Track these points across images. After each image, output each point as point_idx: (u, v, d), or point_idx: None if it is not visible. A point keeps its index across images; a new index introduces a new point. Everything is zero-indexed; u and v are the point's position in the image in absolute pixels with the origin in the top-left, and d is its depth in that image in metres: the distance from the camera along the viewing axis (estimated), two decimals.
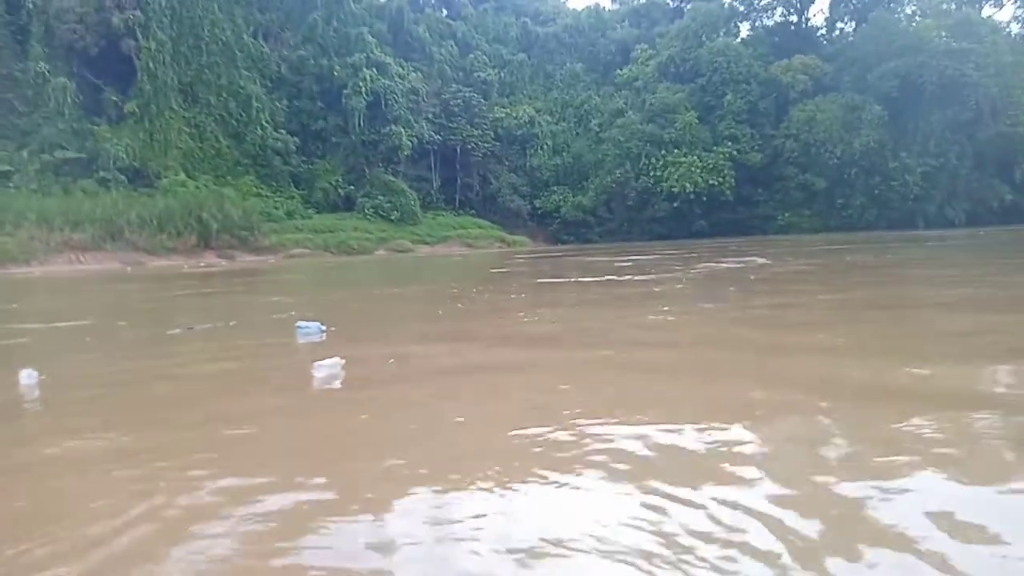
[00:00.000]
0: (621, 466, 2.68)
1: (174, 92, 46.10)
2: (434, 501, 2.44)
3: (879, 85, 50.74)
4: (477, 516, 2.29)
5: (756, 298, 9.73)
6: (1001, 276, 11.89)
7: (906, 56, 49.97)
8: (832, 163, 52.27)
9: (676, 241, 47.88)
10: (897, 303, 8.64)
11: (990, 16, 61.43)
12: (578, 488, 2.51)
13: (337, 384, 4.60)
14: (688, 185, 53.87)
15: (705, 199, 54.62)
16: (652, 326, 6.95)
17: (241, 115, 49.28)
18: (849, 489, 2.36)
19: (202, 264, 34.27)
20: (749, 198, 55.96)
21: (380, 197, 49.45)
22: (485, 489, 2.53)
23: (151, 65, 44.58)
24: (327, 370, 4.74)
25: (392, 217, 49.07)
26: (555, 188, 60.60)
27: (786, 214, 54.50)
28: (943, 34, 50.23)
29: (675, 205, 55.05)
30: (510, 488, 2.53)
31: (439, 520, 2.26)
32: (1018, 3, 63.75)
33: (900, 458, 2.66)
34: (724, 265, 17.42)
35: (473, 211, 58.59)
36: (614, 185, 56.72)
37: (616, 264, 19.93)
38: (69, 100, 41.98)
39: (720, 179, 54.24)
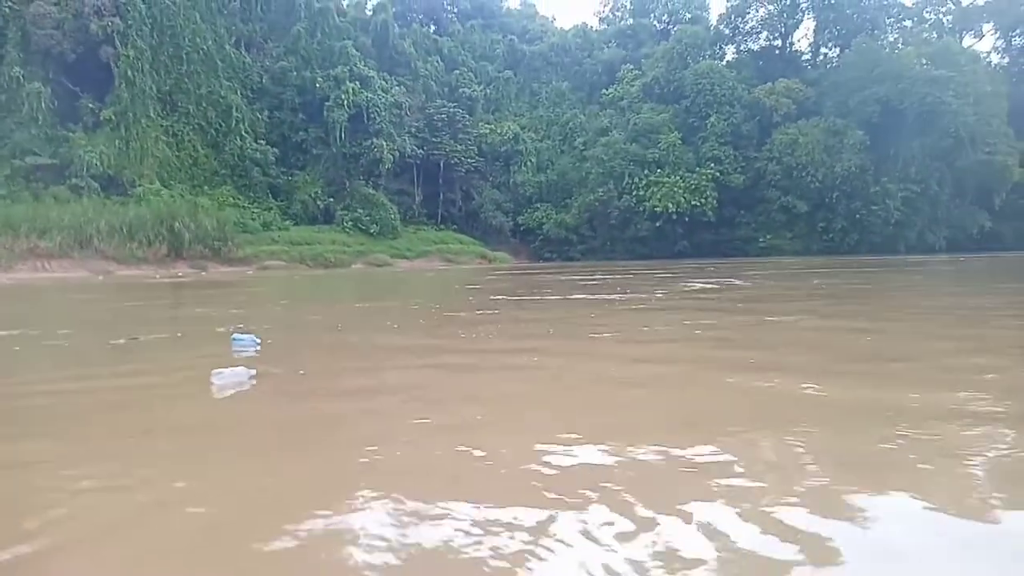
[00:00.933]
0: (533, 482, 2.65)
1: (152, 100, 45.50)
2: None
3: (861, 110, 51.08)
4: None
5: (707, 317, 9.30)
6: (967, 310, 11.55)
7: (887, 82, 50.37)
8: (814, 187, 52.44)
9: (658, 261, 47.63)
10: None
11: (970, 46, 62.39)
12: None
13: (228, 393, 4.59)
14: (671, 205, 53.79)
15: (687, 219, 54.54)
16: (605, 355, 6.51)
17: (220, 125, 48.74)
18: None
19: (175, 274, 33.54)
20: (731, 219, 55.96)
21: (360, 210, 48.92)
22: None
23: (129, 73, 44.02)
24: (226, 378, 4.77)
25: (371, 231, 48.52)
26: (538, 205, 60.38)
27: (768, 236, 54.49)
28: (924, 62, 50.76)
29: (657, 225, 54.93)
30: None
31: None
32: (998, 35, 64.85)
33: None
34: (697, 285, 17.06)
35: (455, 226, 58.16)
36: (597, 203, 56.55)
37: (583, 283, 19.53)
38: (43, 106, 41.33)
39: (702, 200, 54.21)
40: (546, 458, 2.98)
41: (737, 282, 18.49)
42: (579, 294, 15.27)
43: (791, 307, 11.37)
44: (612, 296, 14.29)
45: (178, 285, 25.18)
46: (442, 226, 57.67)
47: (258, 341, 6.47)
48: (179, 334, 8.56)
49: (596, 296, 14.44)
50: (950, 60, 50.56)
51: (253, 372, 4.99)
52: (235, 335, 6.60)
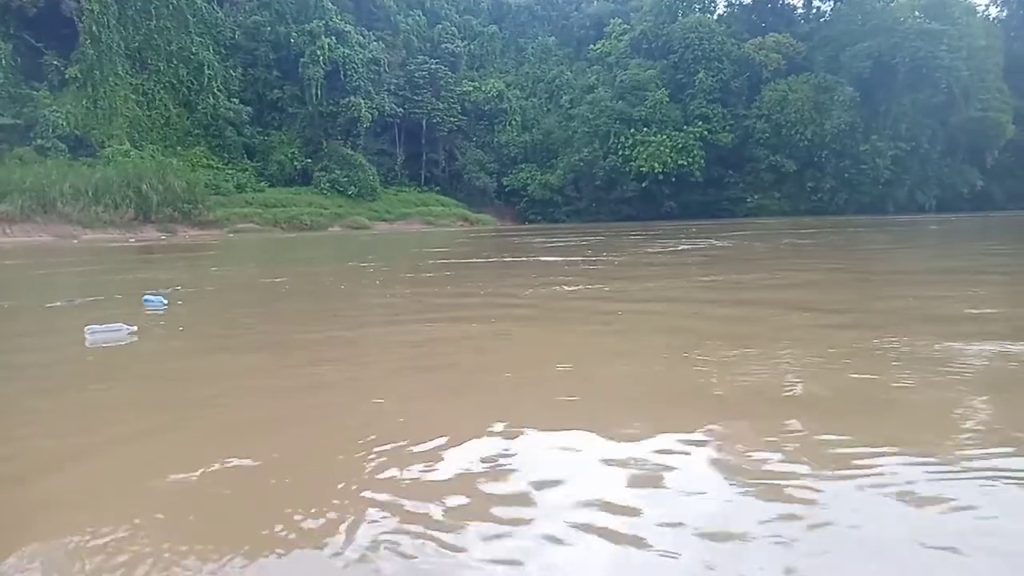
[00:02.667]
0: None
1: (120, 57, 43.98)
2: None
3: (852, 65, 49.70)
4: None
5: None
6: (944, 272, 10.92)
7: (880, 36, 48.90)
8: (803, 145, 51.38)
9: (644, 223, 46.80)
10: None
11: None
12: None
13: (101, 346, 4.88)
14: (657, 165, 52.71)
15: (674, 180, 53.53)
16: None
17: (192, 83, 47.27)
18: None
19: (136, 239, 32.70)
20: (719, 179, 54.95)
21: (337, 171, 47.80)
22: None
23: (95, 28, 42.39)
24: (98, 333, 5.03)
25: (349, 192, 47.50)
26: (523, 166, 59.24)
27: (756, 196, 53.61)
28: (917, 14, 49.16)
29: (644, 185, 53.92)
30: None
31: None
32: None
33: None
34: (671, 249, 16.37)
35: (438, 188, 57.13)
36: (582, 164, 55.43)
37: (554, 245, 18.86)
38: (4, 63, 39.84)
39: (690, 159, 53.11)
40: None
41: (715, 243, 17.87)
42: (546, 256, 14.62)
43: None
44: (573, 258, 13.64)
45: (142, 249, 24.70)
46: (425, 187, 56.63)
47: (165, 302, 6.88)
48: (118, 296, 8.52)
49: (554, 259, 13.78)
50: (944, 13, 48.99)
51: (134, 328, 5.20)
52: (146, 296, 7.02)
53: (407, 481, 2.25)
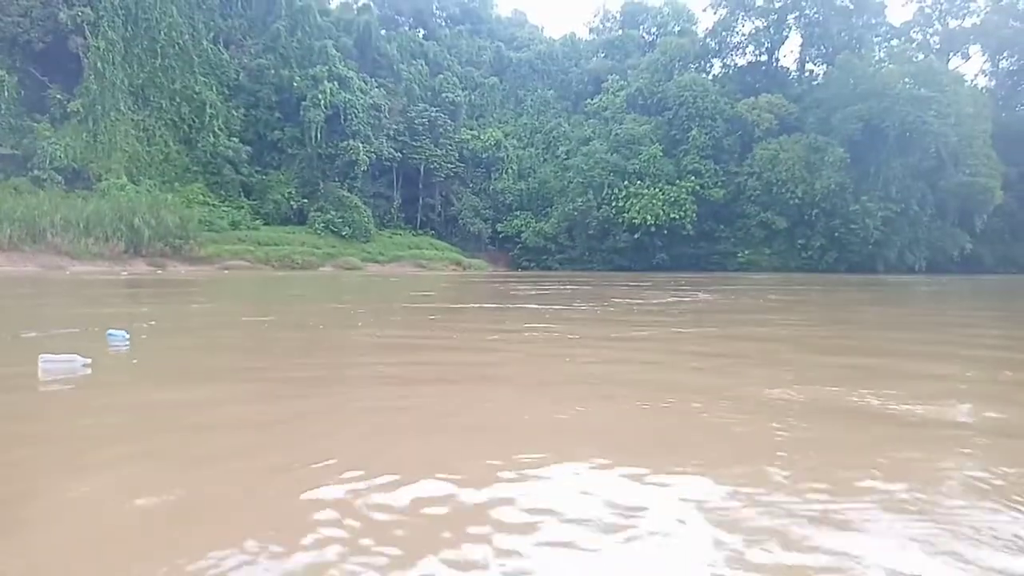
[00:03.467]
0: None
1: (123, 93, 44.71)
2: None
3: (843, 127, 50.61)
4: None
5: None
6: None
7: (870, 100, 49.94)
8: (793, 203, 51.95)
9: (635, 273, 46.94)
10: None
11: (957, 68, 62.24)
12: None
13: (53, 378, 4.79)
14: (649, 217, 53.19)
15: (666, 232, 53.95)
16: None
17: (194, 121, 47.99)
18: None
19: (126, 272, 32.64)
20: (711, 233, 55.39)
21: (332, 212, 48.14)
22: None
23: (99, 64, 43.24)
24: (52, 364, 5.03)
25: (343, 233, 47.73)
26: (518, 213, 59.77)
27: (746, 252, 53.92)
28: (907, 80, 50.31)
29: (636, 236, 54.31)
30: None
31: None
32: (985, 57, 64.76)
33: None
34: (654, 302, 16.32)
35: (433, 231, 57.51)
36: (576, 213, 55.93)
37: (535, 294, 18.81)
38: (7, 95, 40.48)
39: (682, 213, 53.63)
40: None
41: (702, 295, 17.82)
42: (520, 304, 14.55)
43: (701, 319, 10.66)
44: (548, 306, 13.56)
45: (129, 282, 24.68)
46: (420, 231, 57.00)
47: (128, 337, 6.78)
48: (75, 330, 8.35)
49: (527, 307, 13.70)
50: (933, 80, 50.16)
51: (88, 361, 5.17)
52: (110, 331, 6.96)
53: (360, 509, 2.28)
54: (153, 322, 9.34)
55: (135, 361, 5.91)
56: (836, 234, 51.49)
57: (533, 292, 19.59)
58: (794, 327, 10.38)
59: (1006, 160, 53.53)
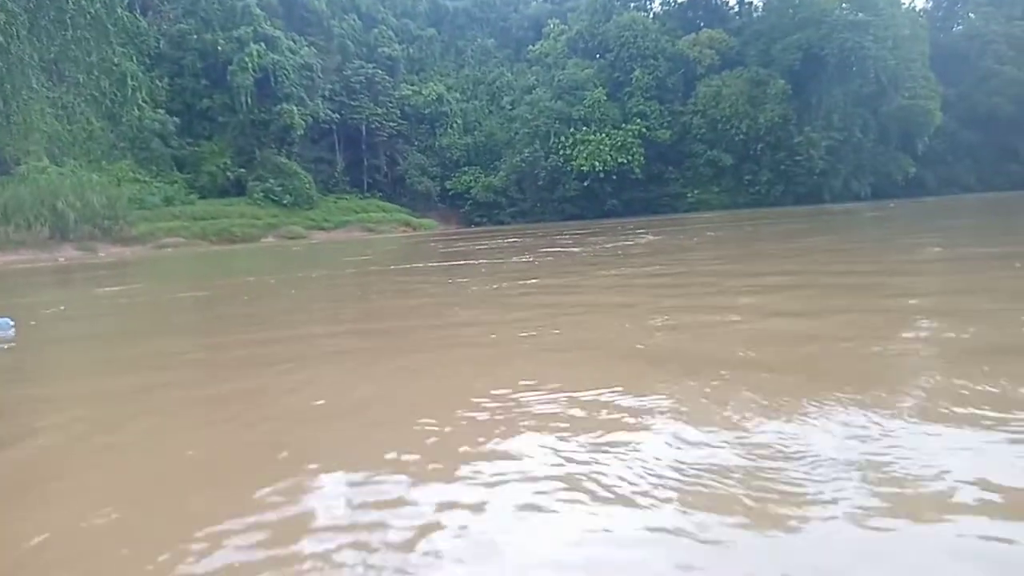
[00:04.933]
0: None
1: (34, 69, 42.02)
2: None
3: (783, 58, 50.39)
4: None
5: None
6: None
7: (809, 29, 49.68)
8: (739, 139, 51.89)
9: (586, 221, 46.62)
10: None
11: None
12: None
13: None
14: (597, 164, 52.68)
15: (615, 177, 53.54)
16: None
17: (115, 94, 45.57)
18: None
19: (56, 259, 31.26)
20: (660, 176, 55.16)
21: (271, 180, 46.61)
22: None
23: (3, 40, 40.50)
24: None
25: (284, 202, 46.36)
26: (466, 168, 58.74)
27: (695, 191, 53.95)
28: (844, 5, 49.98)
29: (585, 184, 53.86)
30: None
31: None
32: None
33: None
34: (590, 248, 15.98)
35: (381, 194, 56.27)
36: (524, 165, 55.16)
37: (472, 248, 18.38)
38: None
39: (629, 157, 53.18)
40: None
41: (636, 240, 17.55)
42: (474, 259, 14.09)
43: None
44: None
45: (53, 270, 23.59)
46: (367, 194, 55.71)
47: (12, 324, 6.71)
48: None
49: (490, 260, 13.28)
50: (870, 4, 49.85)
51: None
52: None
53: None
54: (62, 307, 9.25)
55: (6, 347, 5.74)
56: (782, 167, 51.70)
57: (479, 248, 19.17)
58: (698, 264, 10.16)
59: (944, 81, 54.01)
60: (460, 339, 4.96)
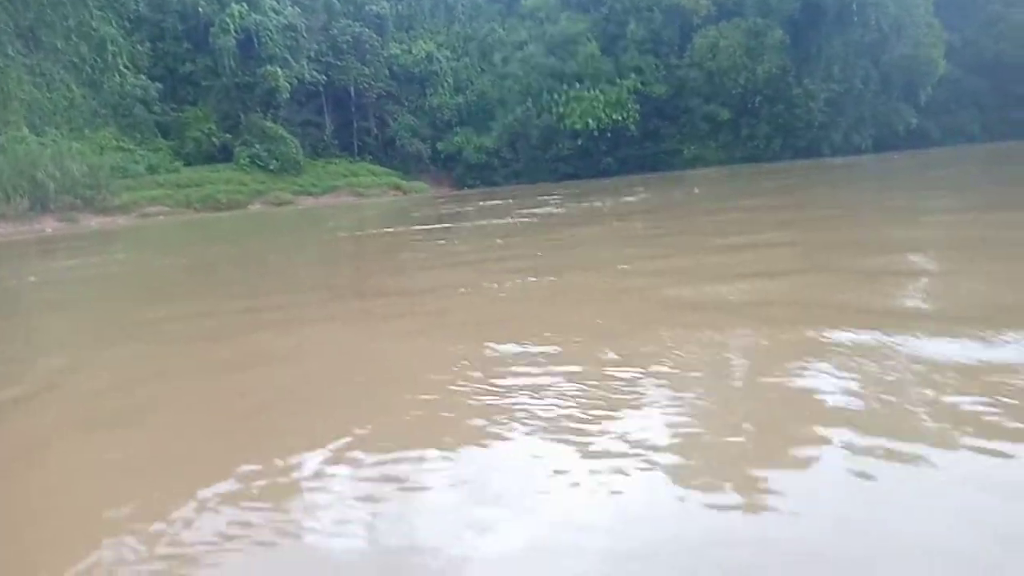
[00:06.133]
0: None
1: (9, 36, 41.02)
2: None
3: (782, 7, 48.55)
4: None
5: None
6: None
7: None
8: (736, 92, 50.47)
9: (580, 181, 45.70)
10: None
11: None
12: None
13: None
14: (591, 121, 51.45)
15: (610, 135, 52.31)
16: None
17: (96, 60, 44.53)
18: None
19: (50, 230, 30.91)
20: (655, 132, 53.88)
21: (257, 145, 45.78)
22: None
23: None
24: None
25: (271, 167, 45.58)
26: (458, 129, 57.56)
27: (692, 147, 52.74)
28: None
29: (580, 143, 52.71)
30: None
31: None
32: None
33: None
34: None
35: (371, 157, 55.29)
36: (517, 124, 53.95)
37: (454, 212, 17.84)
38: None
39: (624, 113, 51.90)
40: None
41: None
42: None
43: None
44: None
45: (37, 241, 23.38)
46: (358, 157, 54.76)
47: None
48: None
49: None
50: None
51: None
52: None
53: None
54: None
55: None
56: (780, 120, 50.37)
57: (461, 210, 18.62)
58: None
59: (948, 27, 52.14)
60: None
